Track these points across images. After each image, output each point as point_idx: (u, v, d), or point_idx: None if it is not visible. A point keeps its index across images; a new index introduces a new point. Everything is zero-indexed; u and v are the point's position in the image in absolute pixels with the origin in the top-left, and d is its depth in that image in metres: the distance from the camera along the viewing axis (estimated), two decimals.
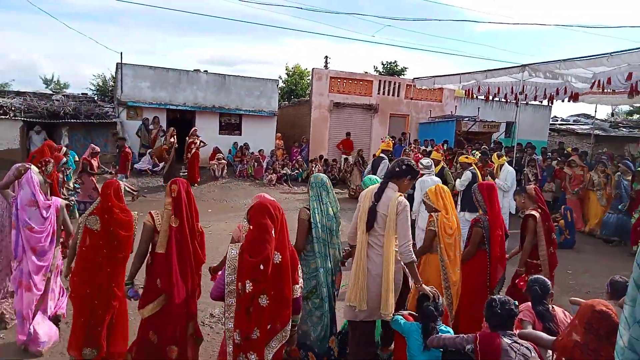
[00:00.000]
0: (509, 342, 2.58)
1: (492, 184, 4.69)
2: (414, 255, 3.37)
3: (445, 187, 4.45)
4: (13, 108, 13.85)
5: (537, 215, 4.50)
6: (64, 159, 7.51)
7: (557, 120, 24.25)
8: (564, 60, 9.96)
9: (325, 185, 3.81)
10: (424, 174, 7.18)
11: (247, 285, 2.69)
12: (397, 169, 3.57)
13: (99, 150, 9.88)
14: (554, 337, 2.77)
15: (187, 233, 3.40)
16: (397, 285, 3.48)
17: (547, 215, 4.69)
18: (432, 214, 4.29)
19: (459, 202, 7.62)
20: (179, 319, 3.41)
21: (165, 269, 3.34)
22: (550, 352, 2.85)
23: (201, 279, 3.68)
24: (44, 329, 4.23)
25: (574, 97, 13.31)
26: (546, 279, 3.34)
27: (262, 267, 2.68)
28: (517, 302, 2.82)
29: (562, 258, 8.06)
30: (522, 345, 2.57)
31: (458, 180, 7.97)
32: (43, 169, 6.18)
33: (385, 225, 3.35)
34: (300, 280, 2.97)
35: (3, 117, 13.48)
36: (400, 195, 3.43)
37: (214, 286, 2.93)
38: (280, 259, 2.76)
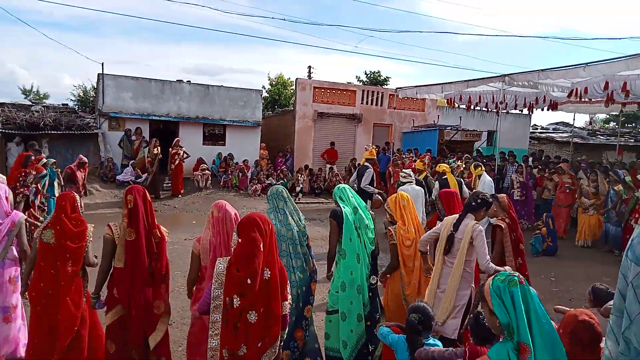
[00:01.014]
0: None
1: (452, 191, 4.62)
2: (494, 267, 3.64)
3: (406, 196, 4.39)
4: None
5: (504, 225, 4.45)
6: (44, 171, 7.36)
7: (537, 129, 24.69)
8: (542, 70, 10.16)
9: (282, 196, 3.79)
10: (405, 182, 7.32)
11: (234, 300, 2.65)
12: (474, 203, 3.92)
13: (86, 160, 9.74)
14: None
15: (144, 245, 3.38)
16: (463, 300, 3.81)
17: (516, 224, 4.62)
18: (390, 227, 4.26)
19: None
20: (136, 331, 3.40)
21: (122, 281, 3.37)
22: None
23: (168, 289, 3.68)
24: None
25: (553, 106, 13.58)
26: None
27: (249, 281, 2.64)
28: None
29: (545, 265, 8.22)
30: None
31: (434, 189, 8.12)
32: (21, 181, 6.10)
33: (460, 248, 3.79)
34: (289, 297, 2.94)
35: None
36: (476, 223, 3.81)
37: (200, 301, 2.89)
38: (269, 275, 2.73)
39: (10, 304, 4.04)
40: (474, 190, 4.73)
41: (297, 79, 18.20)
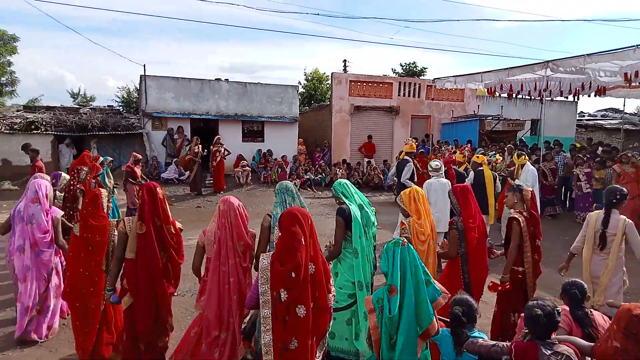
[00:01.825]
0: (548, 352, 2.48)
1: (467, 186, 4.37)
2: None
3: (421, 190, 4.31)
4: (44, 123, 14.31)
5: (521, 218, 4.27)
6: (102, 170, 7.80)
7: (584, 116, 23.70)
8: (588, 54, 9.74)
9: (290, 191, 3.79)
10: (432, 176, 7.19)
11: (282, 293, 2.70)
12: (614, 200, 4.32)
13: (140, 157, 10.19)
14: (592, 344, 2.69)
15: (154, 238, 3.47)
16: (619, 283, 4.37)
17: (536, 219, 4.42)
18: (403, 220, 4.18)
19: None
20: (144, 320, 3.54)
21: (132, 272, 3.50)
22: (588, 359, 2.77)
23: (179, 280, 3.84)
24: (44, 323, 4.57)
25: (601, 92, 12.99)
26: (583, 282, 3.23)
27: (293, 274, 2.69)
28: (559, 309, 2.67)
29: None
30: (564, 355, 2.48)
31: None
32: (76, 175, 6.53)
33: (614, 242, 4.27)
34: (333, 289, 2.98)
35: (35, 131, 13.94)
36: (625, 218, 4.28)
37: (248, 295, 2.97)
38: (314, 269, 2.78)
39: (55, 284, 4.65)
40: (610, 186, 4.61)
41: (332, 73, 18.18)
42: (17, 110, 16.14)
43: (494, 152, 11.89)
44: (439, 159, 11.33)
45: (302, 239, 2.74)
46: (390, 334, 2.74)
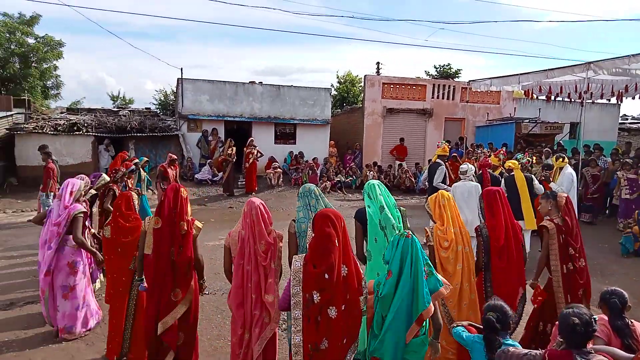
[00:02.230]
0: None
1: (495, 190, 4.19)
2: None
3: (447, 194, 4.15)
4: (85, 124, 14.88)
5: (551, 226, 4.09)
6: (132, 167, 8.10)
7: (627, 119, 22.75)
8: (633, 55, 9.36)
9: (314, 194, 3.75)
10: (461, 179, 7.08)
11: (314, 295, 2.71)
12: None
13: (176, 158, 10.39)
14: (632, 355, 2.59)
15: (167, 232, 3.57)
16: None
17: (569, 226, 4.17)
18: (426, 228, 4.07)
19: None
20: (149, 315, 3.63)
21: (149, 267, 3.64)
22: None
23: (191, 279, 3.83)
24: (79, 320, 4.73)
25: None
26: (623, 291, 3.10)
27: (327, 276, 2.70)
28: (596, 318, 2.57)
29: (638, 266, 7.58)
30: None
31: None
32: (113, 176, 6.89)
33: None
34: (365, 291, 2.97)
35: (77, 132, 14.51)
36: None
37: (281, 297, 2.98)
38: (347, 271, 2.78)
39: (68, 284, 4.63)
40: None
41: (365, 75, 18.15)
42: (61, 112, 16.86)
43: (521, 154, 11.52)
44: (471, 163, 11.14)
45: (336, 241, 2.74)
46: (382, 313, 2.91)
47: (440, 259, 3.92)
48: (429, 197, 4.22)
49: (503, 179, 7.74)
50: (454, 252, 3.92)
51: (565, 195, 4.38)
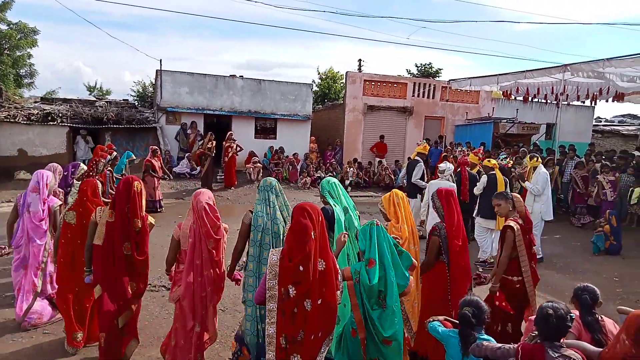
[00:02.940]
0: (555, 355, 2.45)
1: (451, 189, 4.17)
2: None
3: (401, 193, 4.13)
4: (60, 114, 14.49)
5: (517, 226, 4.06)
6: (109, 157, 8.26)
7: (600, 121, 23.34)
8: (608, 58, 9.59)
9: (274, 189, 3.73)
10: (440, 177, 7.25)
11: (290, 290, 2.71)
12: None
13: (157, 149, 10.69)
14: (600, 349, 2.65)
15: (119, 227, 3.62)
16: None
17: (530, 226, 4.28)
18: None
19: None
20: (106, 311, 3.67)
21: (99, 259, 3.69)
22: None
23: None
24: (37, 307, 4.65)
25: (619, 97, 12.79)
26: (595, 288, 3.18)
27: (301, 268, 2.69)
28: (573, 315, 2.62)
29: (609, 264, 7.81)
30: (570, 358, 2.44)
31: (480, 183, 7.91)
32: (94, 168, 7.14)
33: None
34: (341, 285, 2.97)
35: (51, 123, 14.13)
36: None
37: (257, 291, 2.97)
38: (324, 266, 2.77)
39: (39, 264, 4.70)
40: None
41: (347, 72, 18.15)
42: (35, 102, 16.36)
43: (505, 155, 11.71)
44: (450, 161, 11.27)
45: (312, 233, 2.72)
46: (368, 298, 3.05)
47: None
48: (383, 197, 4.17)
49: (487, 178, 7.82)
50: (407, 251, 3.93)
51: (519, 196, 4.44)
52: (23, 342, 4.38)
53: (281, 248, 2.88)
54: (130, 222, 3.66)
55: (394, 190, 4.18)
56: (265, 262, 3.48)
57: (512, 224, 4.10)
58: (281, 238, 3.64)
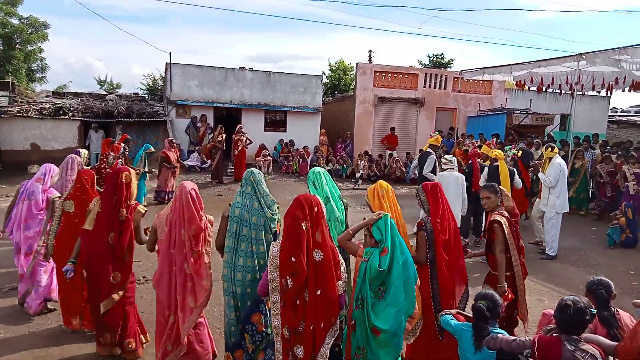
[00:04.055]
0: (572, 348, 2.39)
1: (437, 183, 4.03)
2: None
3: (385, 185, 3.96)
4: (71, 108, 14.61)
5: (503, 220, 3.93)
6: (122, 150, 8.59)
7: (616, 112, 22.93)
8: (624, 47, 9.35)
9: (250, 180, 3.71)
10: (445, 169, 7.12)
11: (288, 281, 2.77)
12: None
13: (174, 140, 11.00)
14: (616, 343, 2.58)
15: (106, 216, 3.76)
16: None
17: (516, 217, 4.14)
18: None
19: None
20: (91, 296, 3.86)
21: (85, 244, 3.82)
22: (611, 358, 2.66)
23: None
24: (33, 296, 4.84)
25: (636, 87, 12.50)
26: (609, 280, 3.09)
27: (293, 259, 2.72)
28: (594, 310, 2.55)
29: (625, 257, 7.66)
30: (588, 353, 2.38)
31: (482, 175, 7.79)
32: (105, 160, 7.52)
33: None
34: (344, 275, 2.98)
35: (63, 117, 14.25)
36: None
37: (260, 283, 3.00)
38: (322, 256, 2.78)
39: (35, 249, 4.82)
40: None
41: (357, 63, 18.00)
42: (47, 96, 16.51)
43: (510, 146, 11.44)
44: (460, 153, 11.12)
45: (303, 223, 2.76)
46: (372, 284, 3.04)
47: None
48: (369, 188, 4.02)
49: (488, 169, 7.70)
50: None
51: (507, 192, 4.30)
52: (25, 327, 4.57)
53: (281, 241, 2.90)
54: (117, 211, 3.78)
55: (378, 181, 4.06)
56: (242, 253, 3.56)
57: (498, 217, 3.95)
58: (262, 229, 3.64)
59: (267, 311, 3.62)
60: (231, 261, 3.59)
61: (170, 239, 3.49)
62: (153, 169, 10.25)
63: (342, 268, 2.95)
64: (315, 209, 2.83)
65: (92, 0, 61.23)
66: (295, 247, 2.74)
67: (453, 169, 7.09)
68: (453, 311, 3.34)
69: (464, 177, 7.24)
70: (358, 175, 15.20)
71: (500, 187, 4.24)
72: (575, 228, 9.51)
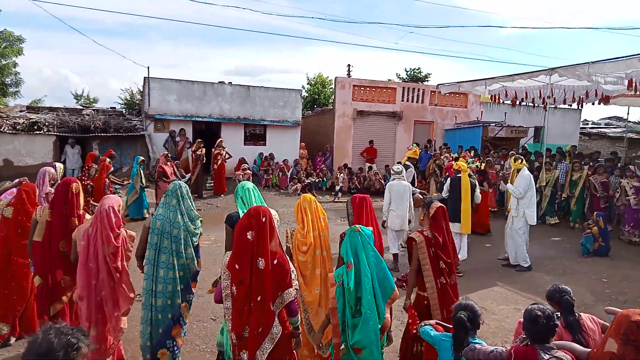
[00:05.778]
0: (547, 357, 2.44)
1: (365, 196, 3.96)
2: None
3: (309, 198, 3.96)
4: (46, 123, 14.32)
5: (420, 238, 3.84)
6: (112, 168, 9.19)
7: (587, 124, 23.61)
8: (593, 62, 9.69)
9: (176, 193, 3.79)
10: (394, 179, 7.48)
11: (233, 289, 2.92)
12: None
13: (169, 154, 11.23)
14: (588, 349, 2.65)
15: (56, 225, 3.92)
16: None
17: (438, 240, 3.88)
18: (287, 229, 4.02)
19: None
20: (42, 300, 3.99)
21: (38, 254, 3.97)
22: None
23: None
24: None
25: (605, 100, 12.89)
26: (568, 288, 3.16)
27: (237, 266, 2.85)
28: (558, 314, 2.60)
29: (597, 265, 7.85)
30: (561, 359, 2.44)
31: (445, 186, 7.98)
32: (86, 172, 7.80)
33: None
34: (295, 283, 3.04)
35: (37, 132, 13.96)
36: None
37: (215, 292, 3.21)
38: (263, 265, 2.85)
39: None
40: None
41: (336, 77, 18.17)
42: (20, 111, 16.15)
43: (472, 159, 11.60)
44: (439, 165, 11.30)
45: (249, 233, 2.85)
46: (350, 303, 3.05)
47: (298, 263, 3.79)
48: (295, 203, 4.03)
49: (450, 180, 7.79)
50: (312, 257, 3.83)
51: (438, 205, 4.08)
52: None
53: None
54: (68, 220, 3.92)
55: (303, 195, 4.09)
56: (162, 265, 3.65)
57: (414, 235, 3.92)
58: (181, 242, 3.71)
59: (185, 324, 3.85)
60: (151, 273, 3.66)
61: (89, 254, 3.56)
62: (148, 184, 10.40)
63: (292, 275, 3.02)
64: (263, 219, 2.90)
65: (68, 13, 60.49)
66: (239, 256, 2.86)
67: (401, 178, 7.47)
68: (432, 322, 3.36)
69: (411, 185, 7.64)
70: (338, 188, 15.26)
71: (432, 204, 4.07)
72: (552, 238, 9.72)
